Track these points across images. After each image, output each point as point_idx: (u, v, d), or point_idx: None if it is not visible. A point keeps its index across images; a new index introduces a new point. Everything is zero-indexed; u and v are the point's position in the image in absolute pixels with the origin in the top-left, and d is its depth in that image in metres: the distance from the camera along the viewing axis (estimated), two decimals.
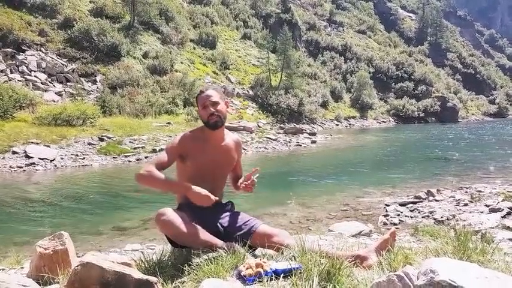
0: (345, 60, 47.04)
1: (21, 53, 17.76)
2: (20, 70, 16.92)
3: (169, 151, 2.19)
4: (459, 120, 46.38)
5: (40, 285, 1.68)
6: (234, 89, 27.82)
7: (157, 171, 2.06)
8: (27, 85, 16.16)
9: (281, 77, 31.90)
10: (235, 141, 2.41)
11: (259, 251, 2.08)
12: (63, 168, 10.50)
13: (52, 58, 18.92)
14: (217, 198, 2.03)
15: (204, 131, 2.26)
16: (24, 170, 9.93)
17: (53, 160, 10.77)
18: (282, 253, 1.97)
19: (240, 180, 2.46)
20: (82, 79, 19.21)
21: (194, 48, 30.53)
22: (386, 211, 5.85)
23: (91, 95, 18.28)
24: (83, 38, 21.00)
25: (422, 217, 5.40)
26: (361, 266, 1.87)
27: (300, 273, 1.65)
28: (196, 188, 2.02)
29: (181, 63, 26.66)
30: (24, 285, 1.50)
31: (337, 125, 33.81)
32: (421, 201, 6.20)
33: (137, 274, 1.46)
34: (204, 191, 2.01)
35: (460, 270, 1.19)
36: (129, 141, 13.47)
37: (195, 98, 2.34)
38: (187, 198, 2.21)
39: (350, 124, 35.54)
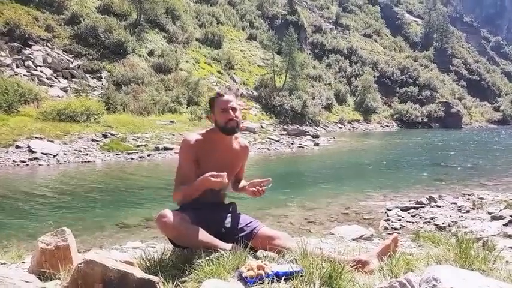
0: (349, 64, 46.95)
1: (27, 48, 17.85)
2: (25, 65, 17.01)
3: (187, 161, 2.17)
4: (463, 126, 46.12)
5: (41, 280, 1.68)
6: (238, 89, 27.74)
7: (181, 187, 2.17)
8: (32, 80, 16.25)
9: (285, 79, 31.89)
10: (242, 146, 2.38)
11: (260, 252, 2.07)
12: (66, 163, 10.54)
13: (58, 54, 19.01)
14: (225, 173, 1.99)
15: (214, 134, 2.24)
16: (27, 165, 9.98)
17: (56, 155, 10.81)
18: (284, 256, 1.97)
19: (244, 183, 2.43)
20: (87, 75, 19.29)
21: (199, 47, 30.57)
22: (388, 216, 5.83)
23: (96, 91, 18.35)
24: (89, 34, 21.11)
25: (424, 223, 5.38)
26: (362, 271, 1.87)
27: (301, 276, 1.65)
28: (205, 176, 2.00)
29: (187, 62, 26.71)
30: (27, 281, 1.50)
31: (341, 128, 33.75)
32: (423, 207, 6.18)
33: (139, 273, 1.47)
34: (212, 173, 1.98)
35: (463, 278, 1.18)
36: (133, 139, 13.51)
37: (209, 100, 2.29)
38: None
39: (353, 127, 35.47)
